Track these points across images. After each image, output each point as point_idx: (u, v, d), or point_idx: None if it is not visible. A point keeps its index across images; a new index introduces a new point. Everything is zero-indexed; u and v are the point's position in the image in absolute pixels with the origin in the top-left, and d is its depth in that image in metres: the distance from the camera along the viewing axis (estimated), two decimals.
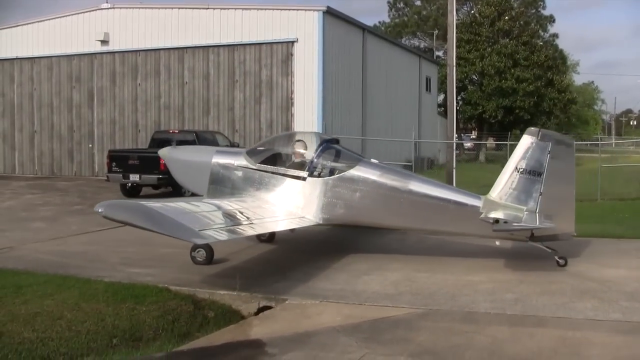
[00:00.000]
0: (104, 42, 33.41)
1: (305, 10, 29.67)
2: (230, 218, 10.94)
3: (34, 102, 35.92)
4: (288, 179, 12.85)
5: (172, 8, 32.44)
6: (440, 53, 68.18)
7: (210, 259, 12.17)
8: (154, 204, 10.41)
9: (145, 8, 33.17)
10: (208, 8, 31.28)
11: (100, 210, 9.52)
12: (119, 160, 22.84)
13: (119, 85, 33.69)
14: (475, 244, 13.57)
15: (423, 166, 34.76)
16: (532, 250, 12.27)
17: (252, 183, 13.07)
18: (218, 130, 29.03)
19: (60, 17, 35.20)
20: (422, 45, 72.98)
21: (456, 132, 29.35)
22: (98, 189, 26.60)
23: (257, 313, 9.73)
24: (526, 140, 11.89)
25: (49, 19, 35.51)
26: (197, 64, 31.74)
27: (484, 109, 57.17)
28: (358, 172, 12.59)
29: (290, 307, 9.58)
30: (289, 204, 12.65)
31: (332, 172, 12.81)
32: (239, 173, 13.23)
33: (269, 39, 29.93)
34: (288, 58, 29.73)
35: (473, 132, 76.71)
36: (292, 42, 29.51)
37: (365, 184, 12.44)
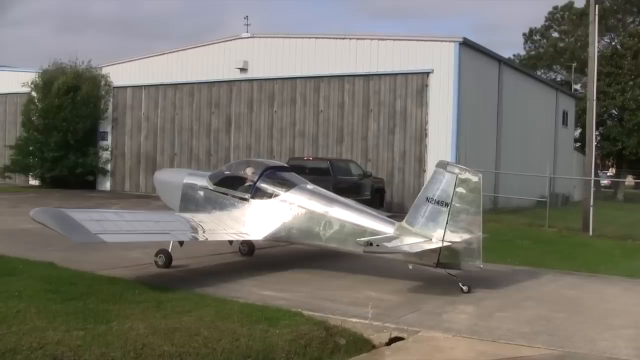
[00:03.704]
0: (243, 70, 34.59)
1: (442, 41, 29.56)
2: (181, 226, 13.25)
3: (175, 126, 37.69)
4: (235, 200, 14.66)
5: (309, 38, 33.18)
6: (577, 86, 65.96)
7: (168, 264, 13.77)
8: (79, 211, 12.28)
9: (284, 37, 34.11)
10: (344, 38, 31.78)
11: (31, 214, 11.31)
12: None
13: (256, 112, 34.72)
14: (612, 286, 12.90)
15: (557, 202, 33.51)
16: None
17: (209, 202, 14.94)
18: (351, 159, 29.31)
19: (202, 45, 36.85)
20: (558, 78, 70.87)
21: (593, 169, 28.20)
22: None
23: (388, 343, 9.65)
24: (436, 172, 12.56)
25: (192, 48, 37.22)
26: (332, 93, 32.22)
27: (623, 145, 54.73)
28: (291, 195, 14.13)
29: (422, 340, 9.45)
30: (235, 221, 14.18)
31: (270, 195, 14.39)
32: (201, 193, 15.17)
33: (404, 69, 30.01)
34: (423, 89, 29.67)
35: (611, 169, 73.61)
36: (427, 73, 29.42)
37: (294, 206, 13.92)
